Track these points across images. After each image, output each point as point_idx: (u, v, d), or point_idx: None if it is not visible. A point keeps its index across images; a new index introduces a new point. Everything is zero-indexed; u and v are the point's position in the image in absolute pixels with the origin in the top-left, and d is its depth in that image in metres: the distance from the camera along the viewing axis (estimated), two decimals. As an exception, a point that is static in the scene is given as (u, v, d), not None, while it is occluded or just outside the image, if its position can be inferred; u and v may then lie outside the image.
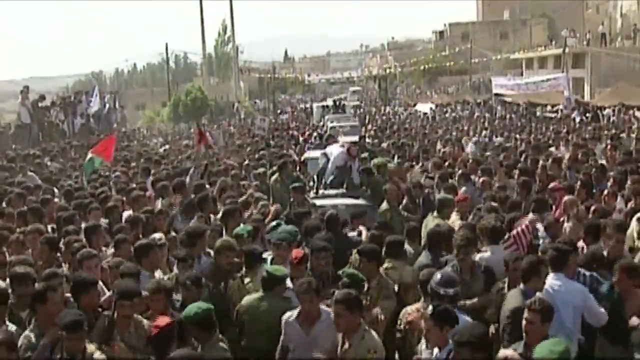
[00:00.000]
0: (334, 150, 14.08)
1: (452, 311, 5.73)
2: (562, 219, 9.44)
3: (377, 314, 6.96)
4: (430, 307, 5.72)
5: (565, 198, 9.80)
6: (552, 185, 11.03)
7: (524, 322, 5.56)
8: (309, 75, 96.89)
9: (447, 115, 41.14)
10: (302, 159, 17.67)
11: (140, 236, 8.79)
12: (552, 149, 17.21)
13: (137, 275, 6.94)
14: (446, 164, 15.37)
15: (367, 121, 38.23)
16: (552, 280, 6.48)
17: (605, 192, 10.32)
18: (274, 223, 9.65)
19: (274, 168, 14.17)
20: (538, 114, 33.01)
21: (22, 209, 10.29)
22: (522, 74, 55.39)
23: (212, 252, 8.10)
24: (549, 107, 35.17)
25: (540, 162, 13.45)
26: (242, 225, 9.17)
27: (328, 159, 13.88)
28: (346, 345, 5.95)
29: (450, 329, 5.52)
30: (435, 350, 5.65)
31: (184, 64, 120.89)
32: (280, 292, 6.85)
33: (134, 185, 12.84)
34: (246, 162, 16.56)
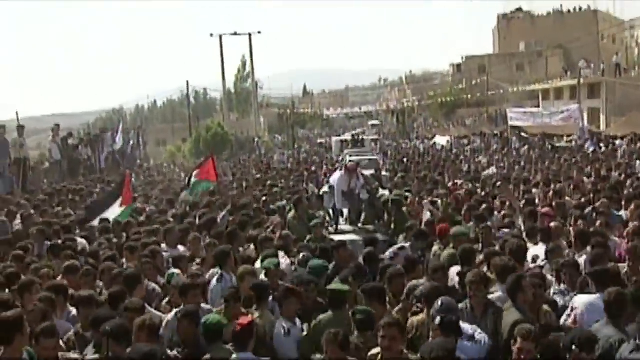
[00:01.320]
0: (335, 176, 14.70)
1: (457, 322, 6.17)
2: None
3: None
4: (439, 319, 6.09)
5: (552, 224, 10.17)
6: (544, 210, 11.57)
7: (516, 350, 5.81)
8: (327, 110, 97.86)
9: (466, 147, 41.42)
10: (320, 192, 17.71)
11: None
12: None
13: None
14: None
15: (386, 155, 38.74)
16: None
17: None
18: (300, 255, 9.78)
19: (291, 204, 14.28)
20: (552, 145, 33.38)
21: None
22: (539, 105, 55.77)
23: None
24: (565, 138, 35.62)
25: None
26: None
27: (333, 188, 14.44)
28: None
29: (455, 339, 5.90)
30: None
31: (204, 100, 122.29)
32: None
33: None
34: (264, 198, 16.43)
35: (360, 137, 49.64)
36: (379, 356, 6.14)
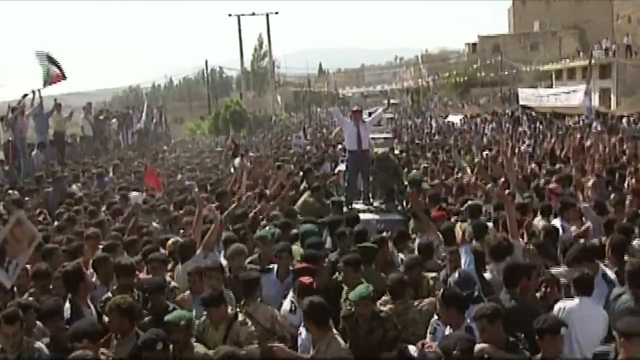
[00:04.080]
0: (345, 135, 14.19)
1: (459, 295, 6.16)
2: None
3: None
4: (440, 291, 6.38)
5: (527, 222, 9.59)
6: (552, 186, 11.68)
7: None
8: (343, 89, 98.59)
9: (476, 126, 42.07)
10: (336, 170, 17.70)
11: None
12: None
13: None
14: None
15: (400, 133, 39.50)
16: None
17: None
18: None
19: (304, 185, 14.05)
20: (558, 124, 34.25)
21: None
22: (552, 85, 56.47)
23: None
24: (575, 118, 36.50)
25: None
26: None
27: (344, 153, 14.50)
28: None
29: (458, 312, 6.02)
30: (448, 328, 6.14)
31: (220, 78, 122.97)
32: None
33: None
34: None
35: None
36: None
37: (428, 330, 6.50)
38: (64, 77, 20.36)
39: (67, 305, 6.87)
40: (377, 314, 6.56)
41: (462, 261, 7.23)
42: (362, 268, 7.62)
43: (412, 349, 5.91)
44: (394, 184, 13.61)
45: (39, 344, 5.99)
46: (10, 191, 14.96)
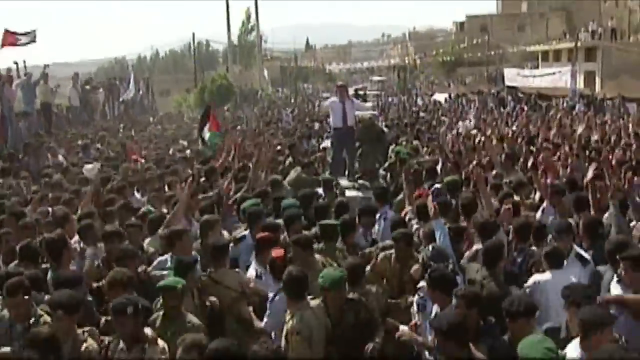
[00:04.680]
0: (331, 112, 13.92)
1: (445, 277, 6.09)
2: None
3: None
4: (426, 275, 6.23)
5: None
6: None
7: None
8: (330, 64, 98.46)
9: (462, 105, 42.16)
10: (321, 147, 17.69)
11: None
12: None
13: None
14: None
15: (386, 110, 39.52)
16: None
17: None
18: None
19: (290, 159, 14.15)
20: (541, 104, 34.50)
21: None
22: (537, 67, 56.76)
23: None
24: (561, 100, 36.86)
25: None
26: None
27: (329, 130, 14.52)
28: None
29: (443, 293, 5.97)
30: (435, 306, 6.16)
31: (206, 51, 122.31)
32: None
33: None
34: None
35: (364, 92, 50.31)
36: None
37: (414, 309, 6.55)
38: (7, 32, 20.54)
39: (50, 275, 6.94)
40: (348, 299, 6.26)
41: (437, 236, 7.21)
42: (323, 245, 7.77)
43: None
44: (379, 155, 13.78)
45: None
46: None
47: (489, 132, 17.70)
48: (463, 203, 8.74)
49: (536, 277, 6.72)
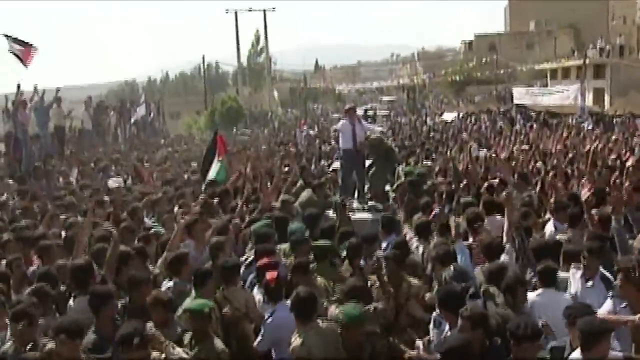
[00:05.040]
0: (340, 135, 13.87)
1: (453, 296, 6.13)
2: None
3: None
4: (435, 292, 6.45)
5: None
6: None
7: None
8: (339, 85, 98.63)
9: (470, 124, 42.05)
10: (331, 168, 17.41)
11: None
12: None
13: None
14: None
15: (395, 130, 39.47)
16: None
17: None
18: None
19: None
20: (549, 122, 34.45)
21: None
22: (547, 84, 56.78)
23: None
24: (570, 117, 36.85)
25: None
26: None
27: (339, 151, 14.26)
28: None
29: (453, 313, 5.94)
30: (447, 325, 6.21)
31: (216, 73, 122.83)
32: None
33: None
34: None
35: (374, 112, 50.33)
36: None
37: (431, 325, 6.55)
38: (31, 47, 20.43)
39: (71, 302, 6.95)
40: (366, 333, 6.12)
41: (459, 258, 7.23)
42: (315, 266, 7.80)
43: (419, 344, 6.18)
44: (388, 174, 13.68)
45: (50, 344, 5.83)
46: (10, 181, 15.25)
47: (499, 151, 17.70)
48: (468, 218, 8.75)
49: (530, 296, 6.69)
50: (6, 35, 19.64)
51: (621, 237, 7.34)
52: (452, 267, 6.82)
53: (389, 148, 14.31)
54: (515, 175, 12.43)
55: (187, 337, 6.28)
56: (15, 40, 19.81)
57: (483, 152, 18.84)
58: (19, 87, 19.74)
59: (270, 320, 6.64)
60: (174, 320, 6.53)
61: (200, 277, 6.97)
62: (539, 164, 14.83)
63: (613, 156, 16.39)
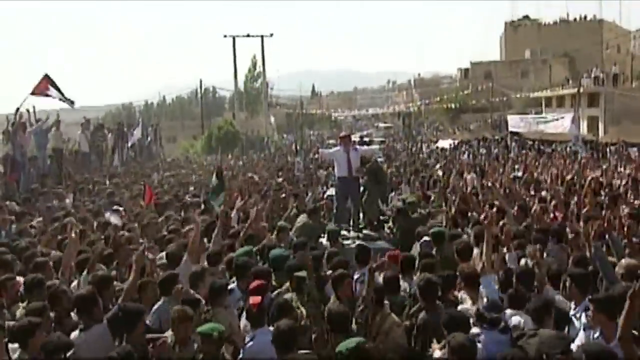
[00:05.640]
0: (335, 162, 13.85)
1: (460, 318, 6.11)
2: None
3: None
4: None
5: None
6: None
7: None
8: (335, 111, 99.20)
9: (464, 151, 42.23)
10: (325, 195, 17.29)
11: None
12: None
13: None
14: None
15: (391, 157, 39.55)
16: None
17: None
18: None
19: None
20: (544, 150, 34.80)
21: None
22: (541, 112, 57.11)
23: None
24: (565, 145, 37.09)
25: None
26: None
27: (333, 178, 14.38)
28: None
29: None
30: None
31: (213, 98, 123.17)
32: None
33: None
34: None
35: (370, 139, 50.60)
36: None
37: None
38: (50, 81, 20.68)
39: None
40: None
41: (483, 293, 7.15)
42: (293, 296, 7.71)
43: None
44: (381, 198, 13.77)
45: None
46: (7, 203, 15.31)
47: (494, 179, 17.73)
48: (457, 249, 8.69)
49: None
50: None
51: (602, 261, 7.44)
52: (485, 299, 6.80)
53: (379, 169, 14.33)
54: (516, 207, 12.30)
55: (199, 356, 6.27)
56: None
57: (476, 180, 18.86)
58: (17, 110, 19.90)
59: (249, 344, 6.62)
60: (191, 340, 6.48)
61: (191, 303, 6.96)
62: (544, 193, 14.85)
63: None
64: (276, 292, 8.16)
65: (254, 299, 6.83)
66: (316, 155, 28.55)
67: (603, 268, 7.32)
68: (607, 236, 8.20)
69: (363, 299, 7.20)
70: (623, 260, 7.58)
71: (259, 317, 6.75)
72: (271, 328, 6.47)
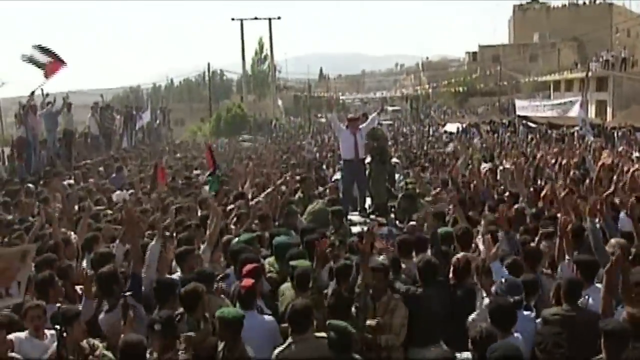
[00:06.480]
0: (341, 143, 13.76)
1: (503, 312, 5.92)
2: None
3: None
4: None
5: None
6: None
7: None
8: (343, 94, 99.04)
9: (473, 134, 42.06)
10: (333, 179, 17.05)
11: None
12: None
13: None
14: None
15: (398, 141, 39.45)
16: None
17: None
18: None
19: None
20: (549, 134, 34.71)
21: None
22: (549, 96, 56.94)
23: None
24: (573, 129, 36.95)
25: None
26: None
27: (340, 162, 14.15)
28: None
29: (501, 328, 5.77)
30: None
31: (220, 81, 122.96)
32: None
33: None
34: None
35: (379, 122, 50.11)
36: None
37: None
38: (62, 62, 20.44)
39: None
40: None
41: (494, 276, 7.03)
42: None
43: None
44: (387, 180, 13.57)
45: None
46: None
47: (505, 162, 17.60)
48: (457, 234, 8.59)
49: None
50: (39, 47, 19.81)
51: (595, 236, 7.82)
52: (503, 279, 6.64)
53: (383, 148, 14.08)
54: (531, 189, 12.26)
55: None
56: (47, 52, 20.00)
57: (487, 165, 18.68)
58: (32, 93, 19.91)
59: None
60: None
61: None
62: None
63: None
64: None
65: (247, 281, 6.76)
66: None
67: (595, 243, 7.74)
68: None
69: (360, 285, 7.11)
70: (612, 240, 7.92)
71: (248, 299, 6.60)
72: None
